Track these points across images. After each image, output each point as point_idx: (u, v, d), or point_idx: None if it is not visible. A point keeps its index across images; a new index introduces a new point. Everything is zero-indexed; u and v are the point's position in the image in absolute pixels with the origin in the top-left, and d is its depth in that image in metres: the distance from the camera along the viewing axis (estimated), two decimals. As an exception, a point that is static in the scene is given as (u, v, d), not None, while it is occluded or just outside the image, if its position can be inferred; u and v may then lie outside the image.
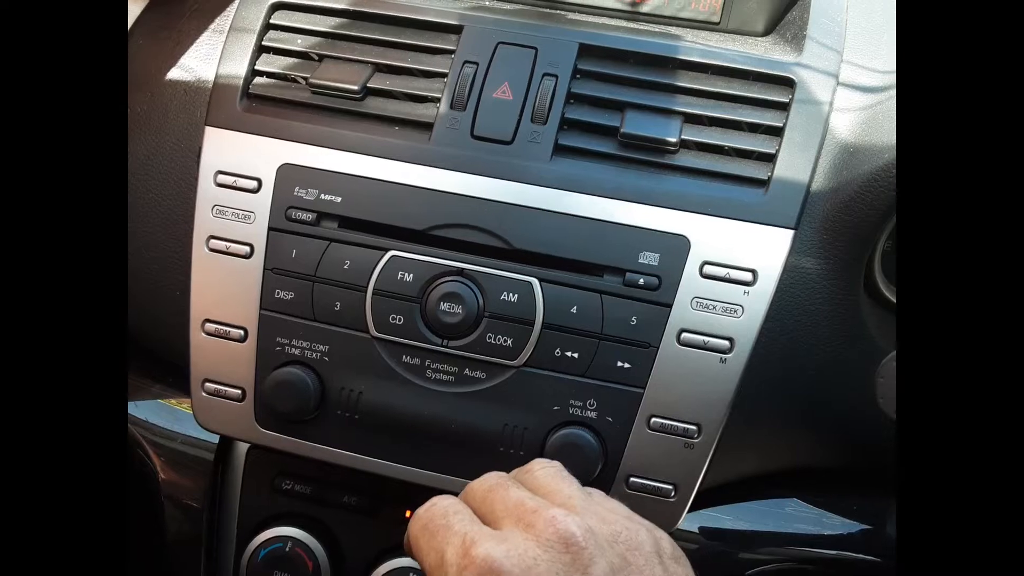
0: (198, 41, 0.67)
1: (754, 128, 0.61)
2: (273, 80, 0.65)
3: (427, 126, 0.62)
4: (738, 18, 0.71)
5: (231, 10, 0.67)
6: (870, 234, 0.59)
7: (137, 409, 0.71)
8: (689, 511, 0.61)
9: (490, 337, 0.59)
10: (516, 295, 0.59)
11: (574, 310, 0.59)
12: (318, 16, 0.66)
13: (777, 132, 0.60)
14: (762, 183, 0.59)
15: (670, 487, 0.60)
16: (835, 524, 0.67)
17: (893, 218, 0.59)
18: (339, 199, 0.61)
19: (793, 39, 0.65)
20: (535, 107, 0.61)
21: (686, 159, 0.60)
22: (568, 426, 0.59)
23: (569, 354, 0.59)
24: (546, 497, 0.44)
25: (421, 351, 0.60)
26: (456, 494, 0.47)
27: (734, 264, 0.58)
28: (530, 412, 0.60)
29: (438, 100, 0.62)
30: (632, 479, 0.60)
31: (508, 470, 0.59)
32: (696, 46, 0.63)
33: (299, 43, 0.65)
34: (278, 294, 0.61)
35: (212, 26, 0.67)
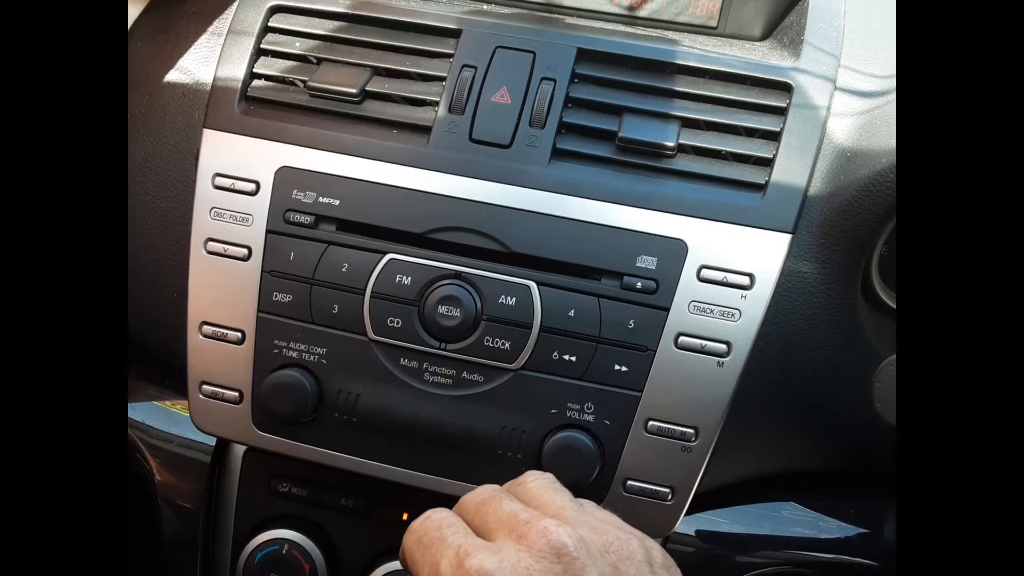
0: (197, 44, 0.67)
1: (751, 132, 0.61)
2: (272, 83, 0.65)
3: (425, 130, 0.62)
4: (735, 22, 0.71)
5: (230, 13, 0.67)
6: (867, 238, 0.59)
7: (134, 411, 0.71)
8: (686, 514, 0.61)
9: (488, 340, 0.59)
10: (514, 298, 0.59)
11: (572, 313, 0.59)
12: (317, 19, 0.66)
13: (775, 136, 0.60)
14: (759, 187, 0.59)
15: (667, 490, 0.60)
16: (832, 527, 0.67)
17: (890, 222, 0.59)
18: (337, 202, 0.61)
19: (791, 44, 0.65)
20: (533, 111, 0.61)
21: (684, 163, 0.60)
22: (566, 429, 0.59)
23: (567, 357, 0.59)
24: (539, 508, 0.45)
25: (419, 354, 0.60)
26: (453, 502, 0.47)
27: (731, 268, 0.58)
28: (528, 415, 0.60)
29: (436, 104, 0.62)
30: (629, 482, 0.60)
31: (506, 472, 0.59)
32: (694, 51, 0.63)
33: (298, 46, 0.65)
34: (276, 297, 0.61)
35: (211, 29, 0.67)
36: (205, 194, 0.63)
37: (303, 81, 0.64)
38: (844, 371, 0.61)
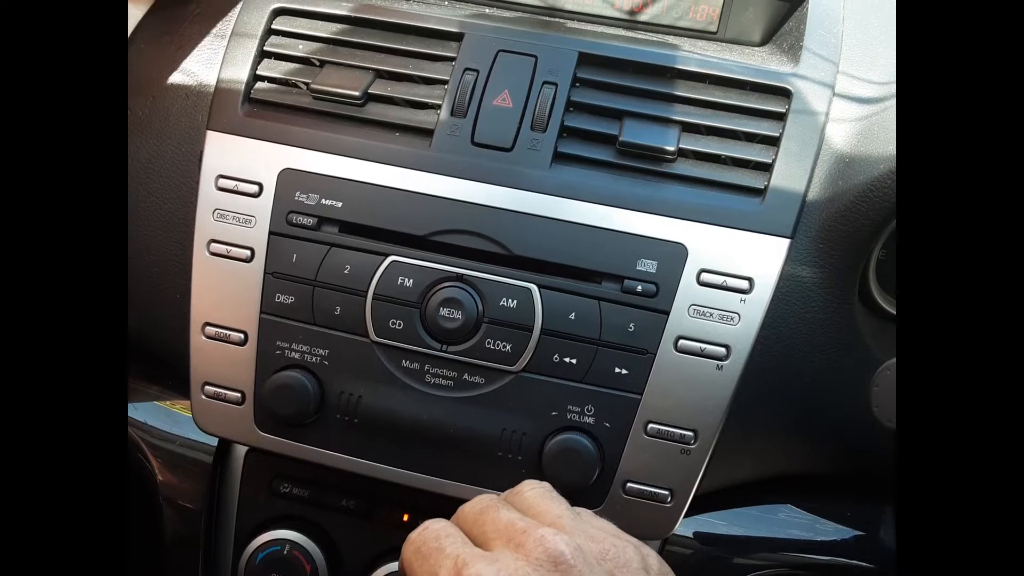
0: (200, 46, 0.67)
1: (751, 138, 0.62)
2: (275, 85, 0.66)
3: (428, 132, 0.62)
4: (735, 28, 0.71)
5: (233, 15, 0.67)
6: (865, 243, 0.59)
7: (136, 411, 0.71)
8: (685, 516, 0.61)
9: (489, 342, 0.59)
10: (515, 301, 0.59)
11: (572, 316, 0.59)
12: (320, 22, 0.67)
13: (774, 142, 0.61)
14: (759, 192, 0.60)
15: (666, 492, 0.60)
16: (828, 530, 0.67)
17: (888, 227, 0.59)
18: (340, 204, 0.61)
19: (790, 49, 0.66)
20: (535, 115, 0.61)
21: (684, 168, 0.61)
22: (566, 431, 0.60)
23: (567, 360, 0.59)
24: (536, 517, 0.45)
25: (420, 356, 0.61)
26: (453, 503, 0.48)
27: (731, 272, 0.58)
28: (528, 417, 0.60)
29: (439, 107, 0.62)
30: (629, 484, 0.60)
31: (506, 474, 0.60)
32: (694, 56, 0.64)
33: (301, 48, 0.66)
34: (278, 298, 0.62)
35: (214, 31, 0.68)
36: (208, 196, 0.63)
37: (306, 83, 0.64)
38: (842, 375, 0.62)
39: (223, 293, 0.63)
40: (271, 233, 0.62)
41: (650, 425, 0.59)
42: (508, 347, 0.59)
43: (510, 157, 0.61)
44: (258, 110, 0.65)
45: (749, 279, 0.58)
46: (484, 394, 0.60)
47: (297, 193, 0.62)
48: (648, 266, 0.59)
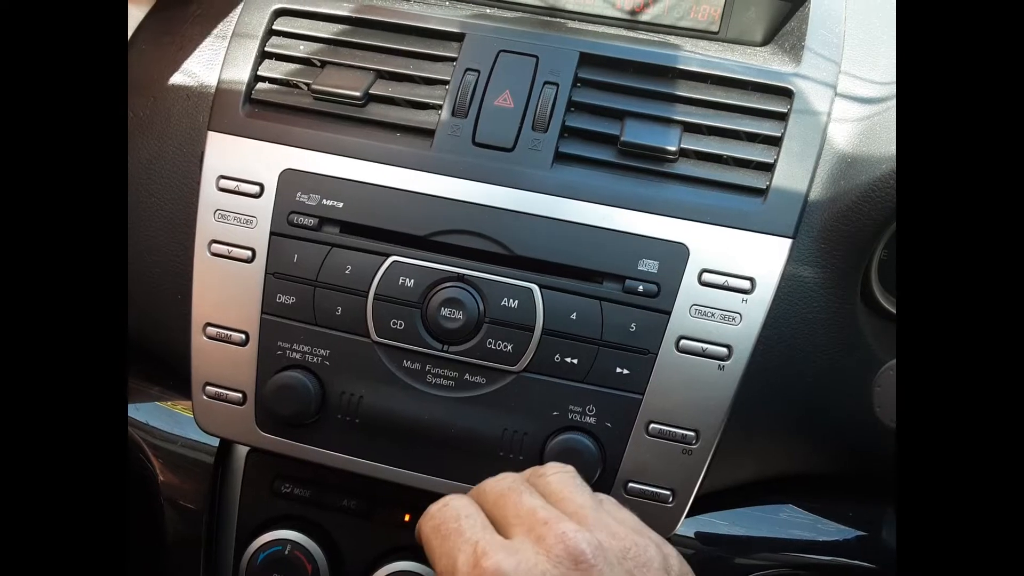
0: (201, 46, 0.67)
1: (752, 137, 0.61)
2: (276, 86, 0.66)
3: (429, 133, 0.62)
4: (737, 28, 0.71)
5: (234, 16, 0.67)
6: (867, 243, 0.59)
7: (137, 412, 0.71)
8: (686, 516, 0.61)
9: (490, 342, 0.59)
10: (516, 301, 0.59)
11: (574, 316, 0.59)
12: (321, 22, 0.67)
13: (775, 142, 0.61)
14: (760, 192, 0.60)
15: (668, 492, 0.60)
16: (830, 530, 0.67)
17: (890, 227, 0.59)
18: (341, 204, 0.61)
19: (791, 49, 0.66)
20: (536, 115, 0.61)
21: (685, 168, 0.61)
22: (567, 431, 0.60)
23: (569, 360, 0.59)
24: (558, 504, 0.45)
25: (422, 356, 0.61)
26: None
27: (732, 272, 0.58)
28: (530, 417, 0.60)
29: (440, 107, 0.62)
30: (630, 484, 0.60)
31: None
32: (695, 56, 0.64)
33: (302, 49, 0.66)
34: (279, 298, 0.62)
35: (215, 31, 0.68)
36: (209, 196, 0.63)
37: (307, 84, 0.64)
38: (844, 375, 0.62)
39: (224, 293, 0.63)
40: (272, 233, 0.62)
41: (651, 425, 0.59)
42: (509, 347, 0.59)
43: (511, 157, 0.61)
44: (259, 111, 0.65)
45: (751, 279, 0.58)
46: (485, 394, 0.60)
47: (298, 193, 0.62)
48: (649, 266, 0.59)
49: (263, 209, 0.62)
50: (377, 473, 0.63)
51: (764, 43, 0.71)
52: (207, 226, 0.63)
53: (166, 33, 0.70)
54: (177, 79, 0.67)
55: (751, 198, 0.60)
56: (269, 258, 0.62)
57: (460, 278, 0.60)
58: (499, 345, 0.59)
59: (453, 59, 0.64)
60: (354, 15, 0.66)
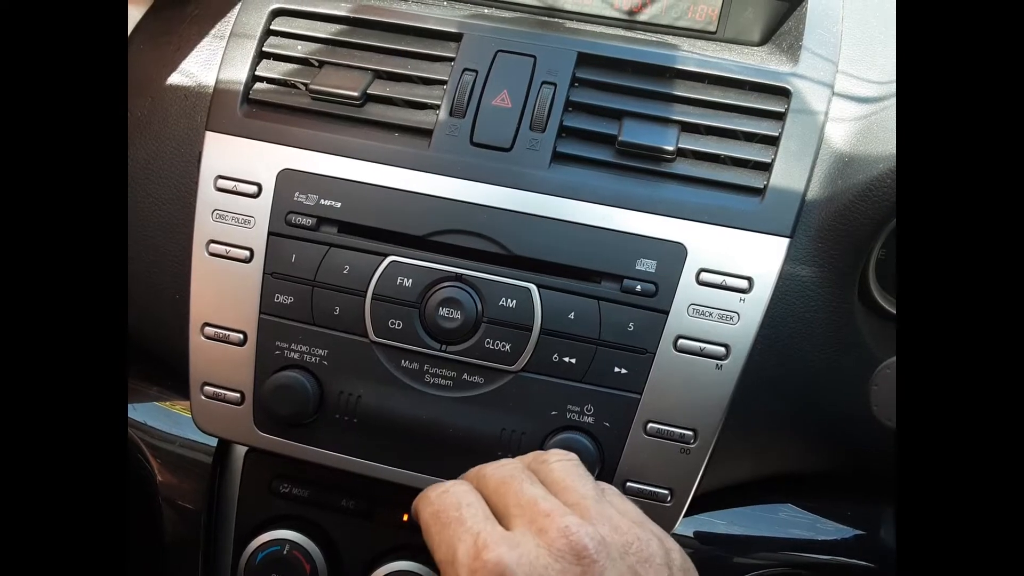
0: (199, 46, 0.67)
1: (750, 137, 0.62)
2: (274, 86, 0.66)
3: (427, 133, 0.62)
4: (734, 27, 0.71)
5: (232, 16, 0.67)
6: (865, 243, 0.59)
7: (136, 412, 0.71)
8: (684, 516, 0.61)
9: (488, 342, 0.59)
10: (514, 301, 0.59)
11: (572, 316, 0.59)
12: (319, 23, 0.67)
13: (773, 141, 0.61)
14: (758, 192, 0.60)
15: (666, 492, 0.60)
16: (828, 529, 0.67)
17: (887, 227, 0.59)
18: (339, 204, 0.61)
19: (789, 49, 0.66)
20: (534, 115, 0.61)
21: (683, 167, 0.61)
22: (565, 431, 0.60)
23: (567, 359, 0.59)
24: (560, 494, 0.44)
25: (420, 356, 0.61)
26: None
27: (730, 272, 0.58)
28: (528, 417, 0.60)
29: (438, 107, 0.62)
30: (629, 484, 0.60)
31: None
32: (693, 55, 0.64)
33: (300, 49, 0.66)
34: (278, 298, 0.62)
35: (213, 32, 0.68)
36: (207, 196, 0.63)
37: (305, 84, 0.64)
38: (841, 374, 0.62)
39: (222, 293, 0.63)
40: (270, 233, 0.62)
41: (650, 424, 0.59)
42: (507, 347, 0.59)
43: (509, 157, 0.61)
44: (257, 111, 0.65)
45: (748, 278, 0.58)
46: (483, 394, 0.60)
47: (296, 193, 0.62)
48: (647, 266, 0.59)
49: (261, 209, 0.62)
50: (375, 473, 0.63)
51: (762, 43, 0.71)
52: (205, 226, 0.63)
53: (164, 33, 0.70)
54: (175, 79, 0.67)
55: (749, 197, 0.60)
56: (267, 258, 0.62)
57: (458, 278, 0.60)
58: (497, 345, 0.59)
59: (451, 59, 0.64)
60: (352, 15, 0.66)
